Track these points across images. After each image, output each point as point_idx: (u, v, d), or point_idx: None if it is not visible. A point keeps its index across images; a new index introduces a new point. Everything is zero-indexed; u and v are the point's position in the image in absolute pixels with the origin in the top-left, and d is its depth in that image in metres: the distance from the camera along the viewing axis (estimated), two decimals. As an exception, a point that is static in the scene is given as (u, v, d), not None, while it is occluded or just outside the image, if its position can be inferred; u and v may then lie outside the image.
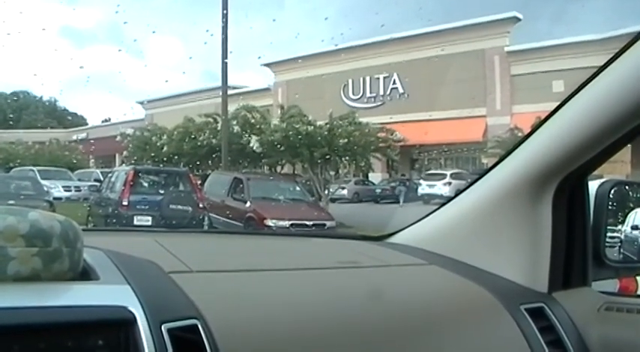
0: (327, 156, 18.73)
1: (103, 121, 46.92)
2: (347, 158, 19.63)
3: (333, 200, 20.73)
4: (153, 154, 23.46)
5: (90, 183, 20.15)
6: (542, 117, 1.42)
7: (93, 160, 37.28)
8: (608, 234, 1.56)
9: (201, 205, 12.84)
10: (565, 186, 1.40)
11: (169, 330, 0.87)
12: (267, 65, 36.65)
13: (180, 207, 12.18)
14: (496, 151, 21.22)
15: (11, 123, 44.04)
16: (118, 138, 27.30)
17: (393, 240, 1.78)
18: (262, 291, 1.15)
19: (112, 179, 14.08)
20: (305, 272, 1.34)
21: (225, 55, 18.62)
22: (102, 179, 17.18)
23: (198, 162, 22.47)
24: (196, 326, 0.91)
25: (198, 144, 21.82)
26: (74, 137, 41.12)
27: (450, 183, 23.46)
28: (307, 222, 12.79)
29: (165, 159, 22.28)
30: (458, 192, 1.66)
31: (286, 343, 1.01)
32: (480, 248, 1.53)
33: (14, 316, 0.80)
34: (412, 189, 25.83)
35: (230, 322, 0.97)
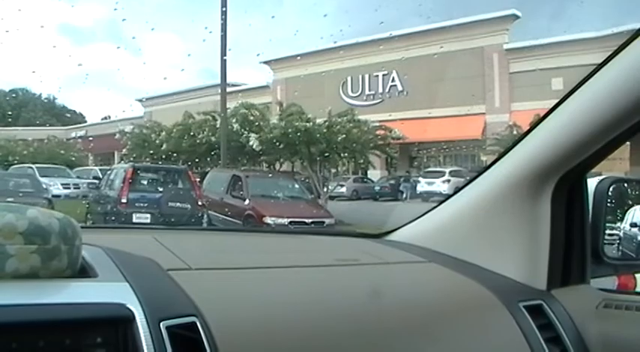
0: (326, 154, 18.73)
1: (102, 119, 46.84)
2: (346, 155, 19.65)
3: (331, 197, 20.73)
4: (152, 152, 23.42)
5: (89, 181, 20.16)
6: (541, 114, 1.42)
7: (92, 158, 37.25)
8: (607, 232, 1.56)
9: (200, 203, 12.85)
10: (564, 183, 1.41)
11: (168, 328, 0.87)
12: (266, 63, 36.56)
13: (179, 204, 12.19)
14: (495, 149, 21.22)
15: (10, 120, 43.98)
16: (117, 135, 27.23)
17: (392, 237, 1.78)
18: (261, 289, 1.15)
19: (111, 176, 14.08)
20: (304, 270, 1.34)
21: (224, 53, 18.61)
22: (101, 176, 17.19)
23: (197, 160, 22.45)
24: (195, 323, 0.91)
25: (197, 141, 21.78)
26: (72, 134, 41.04)
27: (448, 181, 23.45)
28: (306, 220, 12.81)
29: (164, 156, 22.26)
30: (457, 190, 1.66)
31: (285, 340, 1.01)
32: (478, 245, 1.53)
33: (13, 313, 0.80)
34: (412, 186, 25.86)
35: (229, 319, 0.97)
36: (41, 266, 0.89)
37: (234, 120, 20.27)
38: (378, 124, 20.70)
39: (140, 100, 39.58)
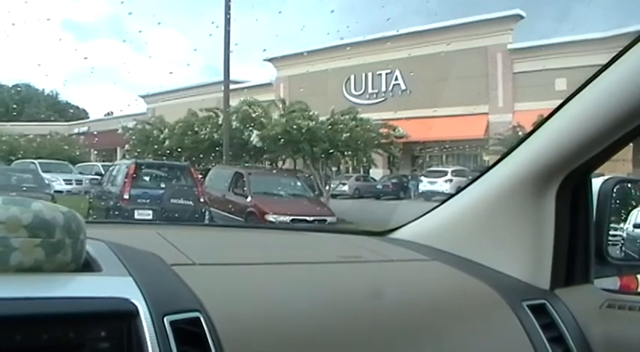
0: (330, 152, 18.74)
1: (105, 115, 46.84)
2: (349, 154, 19.64)
3: (334, 196, 20.73)
4: (156, 147, 23.46)
5: (91, 177, 20.17)
6: (545, 115, 1.42)
7: (96, 153, 37.32)
8: (610, 232, 1.56)
9: (202, 199, 12.84)
10: (568, 183, 1.40)
11: (172, 323, 0.87)
12: (269, 60, 36.56)
13: (181, 201, 12.19)
14: (498, 149, 21.19)
15: (15, 114, 44.04)
16: (120, 131, 27.28)
17: (395, 235, 1.78)
18: (265, 285, 1.15)
19: (113, 172, 14.07)
20: (307, 266, 1.34)
21: (227, 49, 18.61)
22: (103, 172, 17.19)
23: (200, 156, 22.48)
24: (199, 318, 0.91)
25: (200, 138, 21.82)
26: (75, 130, 41.11)
27: (451, 180, 23.40)
28: (308, 218, 12.81)
29: (166, 152, 22.29)
30: (459, 189, 1.66)
31: (288, 336, 1.01)
32: (482, 244, 1.53)
33: (16, 307, 0.80)
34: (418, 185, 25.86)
35: (232, 315, 0.97)
36: (45, 260, 0.89)
37: (235, 117, 20.29)
38: (380, 122, 20.70)
39: (143, 97, 39.59)
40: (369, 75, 32.92)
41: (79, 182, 21.55)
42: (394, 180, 28.06)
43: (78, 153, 31.40)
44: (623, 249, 2.03)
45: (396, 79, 32.08)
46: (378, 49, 30.13)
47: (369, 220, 13.25)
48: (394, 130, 20.65)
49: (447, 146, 29.20)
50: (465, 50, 28.01)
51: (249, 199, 13.77)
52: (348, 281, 1.28)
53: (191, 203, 12.34)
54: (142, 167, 13.78)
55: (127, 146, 27.13)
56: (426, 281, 1.42)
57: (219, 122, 20.86)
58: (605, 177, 1.56)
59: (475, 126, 27.79)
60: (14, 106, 47.85)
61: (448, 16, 29.68)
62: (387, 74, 32.26)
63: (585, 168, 1.39)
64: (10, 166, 20.26)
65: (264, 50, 35.89)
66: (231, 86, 21.01)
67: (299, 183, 16.03)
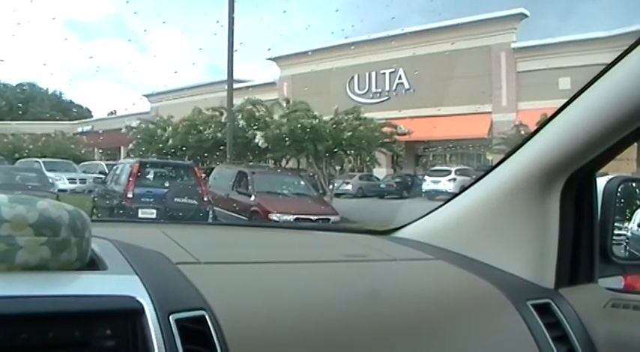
0: (334, 151, 18.72)
1: (108, 114, 46.88)
2: (352, 153, 19.63)
3: (337, 195, 20.72)
4: (159, 146, 23.46)
5: (95, 176, 20.20)
6: (548, 114, 1.42)
7: (100, 152, 37.35)
8: (615, 232, 1.55)
9: (205, 198, 12.85)
10: (573, 182, 1.40)
11: (177, 321, 0.88)
12: (273, 59, 36.53)
13: (185, 200, 12.20)
14: (501, 148, 21.18)
15: (20, 113, 44.12)
16: (123, 130, 27.27)
17: (399, 234, 1.78)
18: (270, 283, 1.15)
19: (117, 171, 14.08)
20: (312, 265, 1.34)
21: (231, 48, 18.61)
22: (107, 171, 17.21)
23: (204, 155, 22.47)
24: (204, 317, 0.91)
25: (204, 137, 21.81)
26: (79, 129, 41.14)
27: (454, 180, 23.34)
28: (312, 217, 12.79)
29: (170, 151, 22.29)
30: (463, 188, 1.66)
31: (293, 334, 1.01)
32: (487, 243, 1.53)
33: (22, 305, 0.80)
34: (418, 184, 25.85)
35: (237, 313, 0.98)
36: (51, 258, 0.90)
37: (240, 117, 20.29)
38: (383, 121, 20.69)
39: (147, 96, 39.61)
40: (373, 74, 32.86)
41: (82, 181, 21.58)
42: (398, 180, 28.01)
43: (82, 152, 31.47)
44: (628, 248, 2.03)
45: (400, 78, 32.02)
46: (383, 48, 30.06)
47: (372, 219, 13.24)
48: (396, 128, 20.62)
49: (451, 145, 29.16)
50: (468, 49, 27.93)
51: (252, 198, 13.76)
52: (353, 280, 1.28)
53: (195, 202, 12.35)
54: (146, 166, 13.79)
55: (130, 145, 27.10)
56: (431, 280, 1.42)
57: (223, 121, 20.85)
58: (610, 177, 1.55)
59: (479, 125, 27.74)
60: (19, 105, 47.94)
61: (452, 15, 29.60)
62: (390, 73, 32.21)
63: (590, 168, 1.39)
64: (14, 165, 20.30)
65: (269, 49, 35.93)
66: (235, 85, 21.01)
67: (302, 182, 16.03)
